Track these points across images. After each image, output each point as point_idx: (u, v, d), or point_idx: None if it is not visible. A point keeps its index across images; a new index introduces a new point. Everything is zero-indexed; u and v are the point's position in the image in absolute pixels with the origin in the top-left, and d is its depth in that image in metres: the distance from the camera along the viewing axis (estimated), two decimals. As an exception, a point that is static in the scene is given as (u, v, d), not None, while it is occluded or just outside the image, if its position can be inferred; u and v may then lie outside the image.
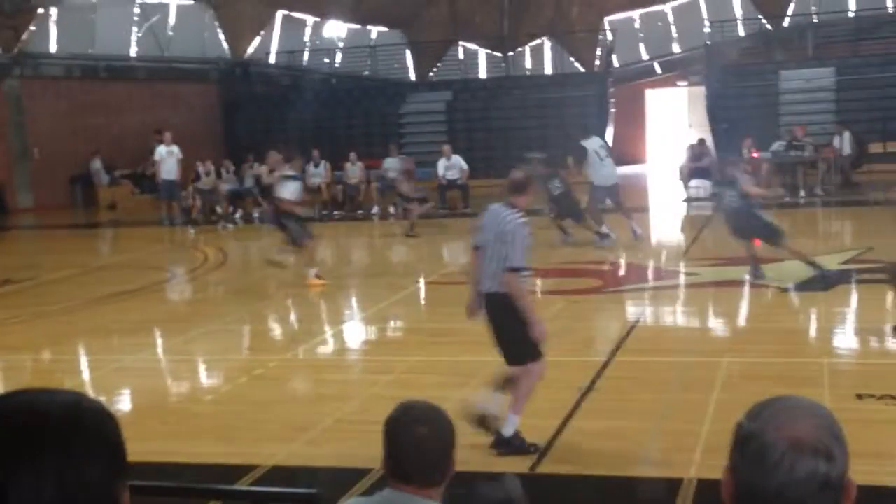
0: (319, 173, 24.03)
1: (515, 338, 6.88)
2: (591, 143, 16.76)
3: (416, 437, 2.99)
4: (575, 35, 35.81)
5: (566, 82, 32.46)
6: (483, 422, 6.80)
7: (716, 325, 11.33)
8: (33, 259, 17.50)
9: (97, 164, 28.44)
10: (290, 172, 14.39)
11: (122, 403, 8.74)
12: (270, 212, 14.81)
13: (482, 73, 37.23)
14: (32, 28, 28.48)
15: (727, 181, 12.91)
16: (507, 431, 6.78)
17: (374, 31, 37.78)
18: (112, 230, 23.99)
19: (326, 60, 36.23)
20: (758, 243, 12.62)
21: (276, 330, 12.41)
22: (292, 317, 13.05)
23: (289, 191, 13.92)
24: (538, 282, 14.11)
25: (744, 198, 12.47)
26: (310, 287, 13.73)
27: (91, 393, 9.62)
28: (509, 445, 6.77)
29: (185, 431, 7.77)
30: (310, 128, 30.00)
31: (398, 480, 3.02)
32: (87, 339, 11.80)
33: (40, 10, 28.22)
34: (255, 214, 23.44)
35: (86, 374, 10.45)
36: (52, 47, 29.38)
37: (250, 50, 34.24)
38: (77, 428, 1.28)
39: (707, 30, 33.43)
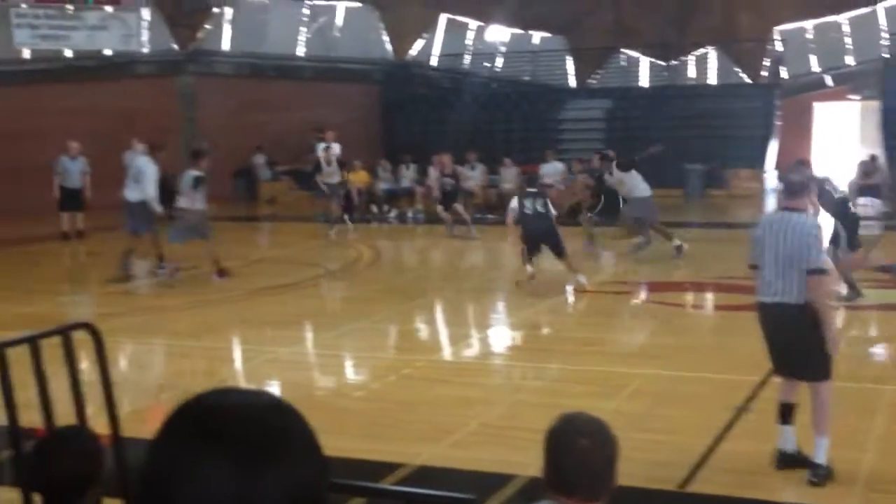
0: (475, 176, 24.11)
1: (814, 351, 6.42)
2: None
3: (579, 450, 2.92)
4: (743, 44, 34.90)
5: (731, 93, 31.67)
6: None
7: (880, 350, 10.80)
8: (197, 249, 18.04)
9: (260, 159, 29.29)
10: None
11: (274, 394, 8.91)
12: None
13: (643, 82, 36.69)
14: (208, 27, 29.57)
15: None
16: (821, 458, 6.41)
17: (537, 36, 37.71)
18: (270, 224, 24.64)
19: (487, 64, 36.35)
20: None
21: (425, 330, 12.47)
22: (441, 318, 13.10)
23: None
24: (689, 296, 13.79)
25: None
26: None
27: (244, 382, 9.87)
28: (826, 471, 6.41)
29: (331, 426, 7.84)
30: (467, 131, 30.15)
31: (560, 493, 2.96)
32: (244, 329, 12.11)
33: (216, 10, 29.27)
34: (410, 214, 23.69)
35: (240, 364, 10.72)
36: (225, 46, 30.43)
37: (413, 52, 34.66)
38: (294, 431, 1.28)
39: (885, 42, 32.04)
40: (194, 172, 14.76)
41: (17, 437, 3.58)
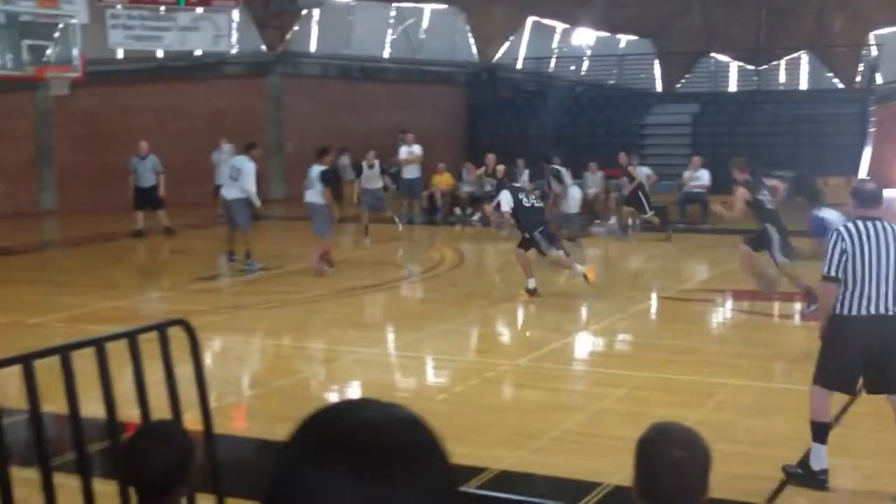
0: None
1: None
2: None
3: (674, 461, 2.86)
4: (836, 49, 34.15)
5: (823, 98, 31.02)
6: None
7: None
8: (282, 248, 18.35)
9: (345, 160, 29.51)
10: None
11: (355, 395, 8.97)
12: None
13: (732, 86, 36.13)
14: (296, 28, 29.93)
15: None
16: None
17: (623, 39, 37.41)
18: (354, 225, 24.80)
19: (573, 68, 36.16)
20: None
21: (508, 335, 12.44)
22: (524, 322, 13.04)
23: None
24: (777, 306, 13.52)
25: None
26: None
27: (327, 382, 9.95)
28: None
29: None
30: (551, 134, 30.02)
31: None
32: (327, 329, 12.21)
33: (304, 12, 29.60)
34: (492, 218, 23.63)
35: (323, 364, 10.81)
36: (312, 47, 30.76)
37: (498, 55, 34.64)
38: (427, 446, 1.27)
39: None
40: (320, 167, 15.44)
41: (115, 430, 3.65)
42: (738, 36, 35.25)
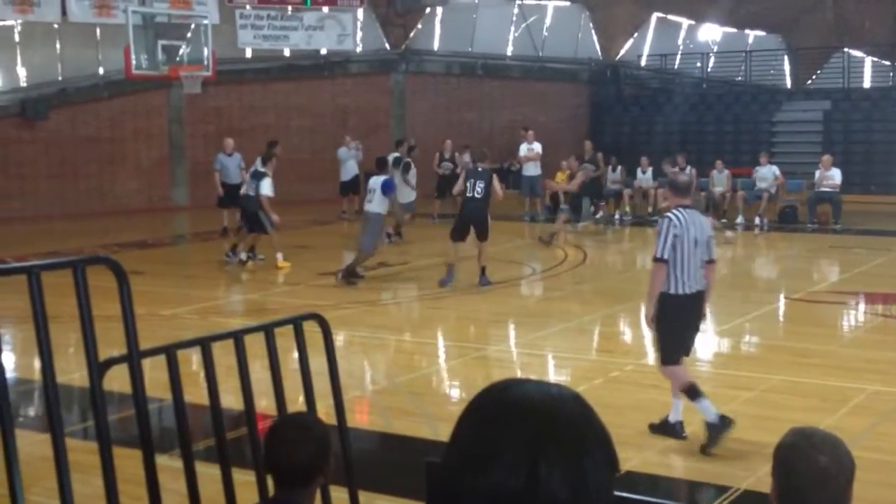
0: (647, 179, 23.78)
1: None
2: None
3: (818, 468, 2.75)
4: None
5: (962, 94, 29.76)
6: None
7: None
8: (404, 245, 18.48)
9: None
10: None
11: (475, 391, 8.97)
12: None
13: (866, 83, 34.94)
14: (419, 26, 30.15)
15: None
16: None
17: (751, 35, 36.56)
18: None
19: (698, 64, 35.50)
20: None
21: (633, 334, 12.28)
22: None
23: None
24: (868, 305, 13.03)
25: None
26: None
27: (450, 379, 9.99)
28: None
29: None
30: (676, 132, 29.58)
31: None
32: (451, 325, 12.26)
33: (428, 10, 29.80)
34: (617, 215, 23.42)
35: (446, 360, 10.86)
36: (435, 45, 30.94)
37: (622, 52, 34.25)
38: (588, 420, 1.33)
39: None
40: (382, 177, 15.11)
41: (253, 420, 3.72)
42: (872, 30, 34.07)
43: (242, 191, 16.35)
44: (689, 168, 23.58)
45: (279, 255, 15.76)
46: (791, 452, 2.82)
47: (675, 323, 7.41)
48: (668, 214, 7.44)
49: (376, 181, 14.90)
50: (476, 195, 13.88)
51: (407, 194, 19.02)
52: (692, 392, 7.32)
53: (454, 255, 14.11)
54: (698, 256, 7.34)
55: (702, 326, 7.77)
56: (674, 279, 7.31)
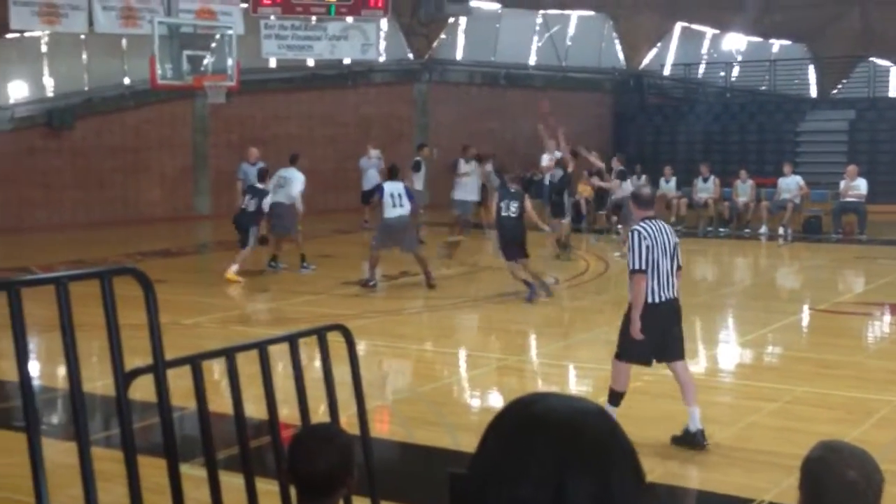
0: (708, 188, 23.52)
1: None
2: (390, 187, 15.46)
3: (847, 482, 2.73)
4: None
5: None
6: None
7: None
8: (426, 253, 18.42)
9: (488, 167, 29.59)
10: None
11: (498, 403, 8.97)
12: None
13: (892, 92, 34.70)
14: (442, 36, 30.22)
15: None
16: None
17: (776, 44, 36.40)
18: (488, 230, 24.89)
19: (722, 74, 35.38)
20: None
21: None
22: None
23: None
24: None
25: None
26: None
27: (472, 389, 9.99)
28: None
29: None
30: (699, 141, 29.49)
31: None
32: (472, 335, 12.27)
33: (451, 20, 29.86)
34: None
35: (468, 370, 10.86)
36: (459, 55, 31.00)
37: (646, 61, 34.19)
38: (614, 434, 1.34)
39: None
40: (398, 183, 15.56)
41: (277, 430, 3.74)
42: (899, 39, 33.83)
43: (242, 205, 16.43)
44: (711, 177, 23.58)
45: (234, 268, 15.81)
46: (819, 466, 2.80)
47: (641, 327, 7.69)
48: (637, 227, 7.72)
49: (396, 187, 15.23)
50: (511, 214, 13.97)
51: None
52: (615, 398, 7.84)
53: (524, 273, 14.09)
54: (668, 265, 7.64)
55: (678, 333, 7.91)
56: (647, 288, 7.61)
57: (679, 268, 7.80)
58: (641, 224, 7.70)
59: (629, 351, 7.85)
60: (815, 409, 8.55)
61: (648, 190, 8.31)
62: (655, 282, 7.59)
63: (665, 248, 7.62)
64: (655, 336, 7.69)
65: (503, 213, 14.04)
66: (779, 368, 10.62)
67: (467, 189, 20.75)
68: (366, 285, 14.94)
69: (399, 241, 15.24)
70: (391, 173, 16.17)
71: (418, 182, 19.58)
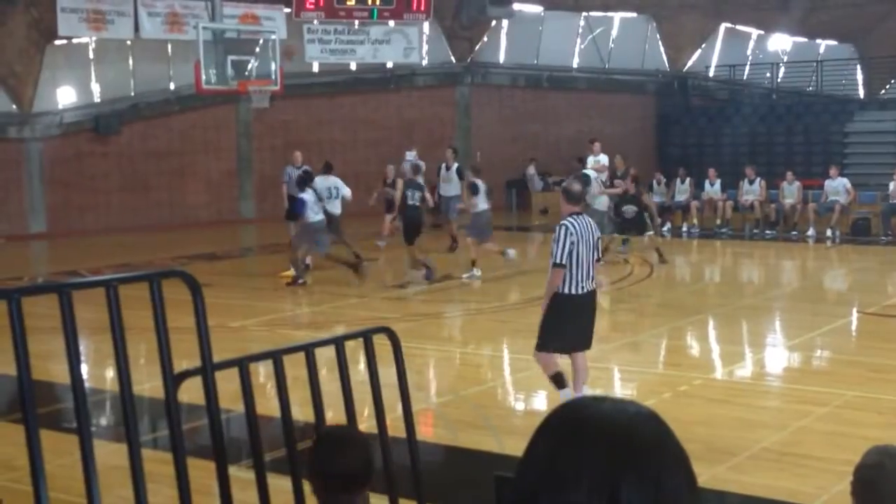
0: (753, 191, 23.29)
1: None
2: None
3: None
4: None
5: None
6: None
7: None
8: (469, 256, 18.39)
9: (531, 169, 29.53)
10: None
11: (543, 406, 8.94)
12: None
13: (941, 92, 34.18)
14: (485, 39, 30.21)
15: None
16: None
17: (822, 44, 35.99)
18: (542, 235, 24.79)
19: (768, 75, 35.02)
20: None
21: (701, 348, 12.14)
22: (717, 336, 12.70)
23: None
24: None
25: None
26: None
27: (516, 392, 9.95)
28: None
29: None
30: (745, 143, 29.19)
31: None
32: (515, 338, 12.21)
33: (493, 23, 29.84)
34: (684, 228, 23.21)
35: (512, 373, 10.82)
36: (501, 57, 30.97)
37: (689, 62, 33.95)
38: (667, 440, 1.32)
39: None
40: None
41: (320, 432, 3.74)
42: (948, 38, 33.32)
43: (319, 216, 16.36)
44: (757, 179, 23.33)
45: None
46: (875, 472, 2.76)
47: (560, 318, 8.17)
48: (564, 222, 8.11)
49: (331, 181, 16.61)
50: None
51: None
52: (557, 381, 8.23)
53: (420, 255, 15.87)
54: (590, 258, 8.12)
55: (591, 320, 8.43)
56: (570, 280, 8.07)
57: (598, 259, 8.37)
58: (569, 219, 8.11)
59: (551, 342, 8.30)
60: (866, 414, 8.42)
61: (578, 186, 8.61)
62: (580, 274, 8.07)
63: (589, 242, 8.09)
64: (578, 325, 8.20)
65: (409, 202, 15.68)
66: (828, 372, 10.48)
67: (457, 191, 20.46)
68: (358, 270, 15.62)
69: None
70: (325, 169, 16.93)
71: (482, 202, 16.50)
